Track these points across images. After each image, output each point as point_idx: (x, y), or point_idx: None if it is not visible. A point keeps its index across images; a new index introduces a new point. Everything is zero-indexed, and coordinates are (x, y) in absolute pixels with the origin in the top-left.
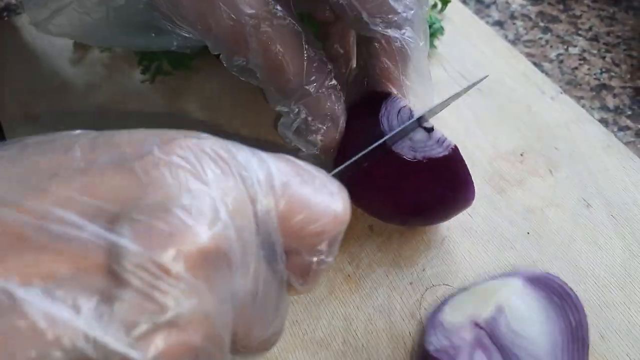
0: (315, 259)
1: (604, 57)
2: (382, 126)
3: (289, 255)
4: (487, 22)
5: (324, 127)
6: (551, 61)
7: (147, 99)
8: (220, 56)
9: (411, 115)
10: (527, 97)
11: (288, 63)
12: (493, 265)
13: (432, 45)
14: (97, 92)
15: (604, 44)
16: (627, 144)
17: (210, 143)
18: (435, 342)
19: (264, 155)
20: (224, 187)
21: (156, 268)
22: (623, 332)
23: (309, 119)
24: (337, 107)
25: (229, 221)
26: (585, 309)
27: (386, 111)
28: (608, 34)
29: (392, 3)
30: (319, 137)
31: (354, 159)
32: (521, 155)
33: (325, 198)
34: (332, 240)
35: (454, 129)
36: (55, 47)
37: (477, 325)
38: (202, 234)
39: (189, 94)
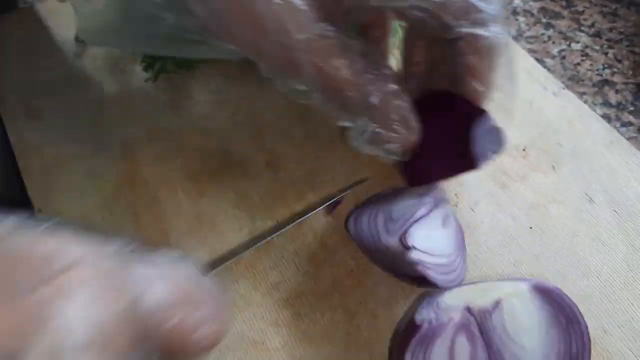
0: None
1: (606, 53)
2: (474, 149)
3: None
4: None
5: (398, 135)
6: (553, 57)
7: (150, 95)
8: (274, 80)
9: (499, 136)
10: (530, 92)
11: (344, 81)
12: (496, 260)
13: None
14: (99, 88)
15: (606, 40)
16: (629, 139)
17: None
18: (425, 314)
19: (155, 281)
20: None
21: None
22: (626, 327)
23: (378, 130)
24: (405, 110)
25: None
26: (588, 304)
27: (478, 131)
28: (610, 30)
29: (474, 2)
30: (396, 146)
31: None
32: (524, 150)
33: (204, 331)
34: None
35: None
36: (56, 42)
37: (469, 310)
38: None
39: (193, 89)
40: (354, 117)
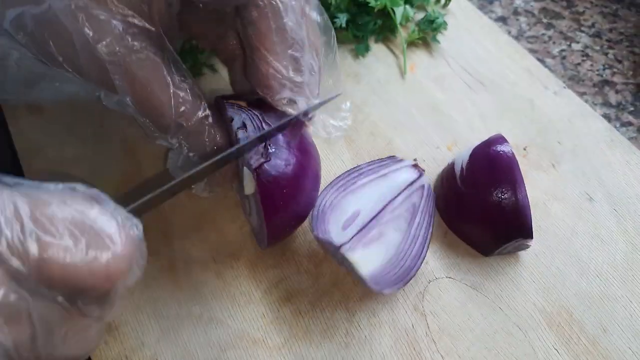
0: (94, 312)
1: (606, 54)
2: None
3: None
4: (491, 18)
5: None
6: (554, 57)
7: None
8: (101, 95)
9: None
10: (530, 91)
11: (155, 97)
12: (496, 258)
13: (435, 40)
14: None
15: (606, 40)
16: (629, 140)
17: None
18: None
19: (21, 203)
20: None
21: None
22: (625, 325)
23: (191, 154)
24: (217, 137)
25: None
26: (587, 302)
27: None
28: (611, 30)
29: None
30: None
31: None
32: (524, 149)
33: (92, 254)
34: (104, 293)
35: (457, 122)
36: None
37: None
38: None
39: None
40: (167, 136)
